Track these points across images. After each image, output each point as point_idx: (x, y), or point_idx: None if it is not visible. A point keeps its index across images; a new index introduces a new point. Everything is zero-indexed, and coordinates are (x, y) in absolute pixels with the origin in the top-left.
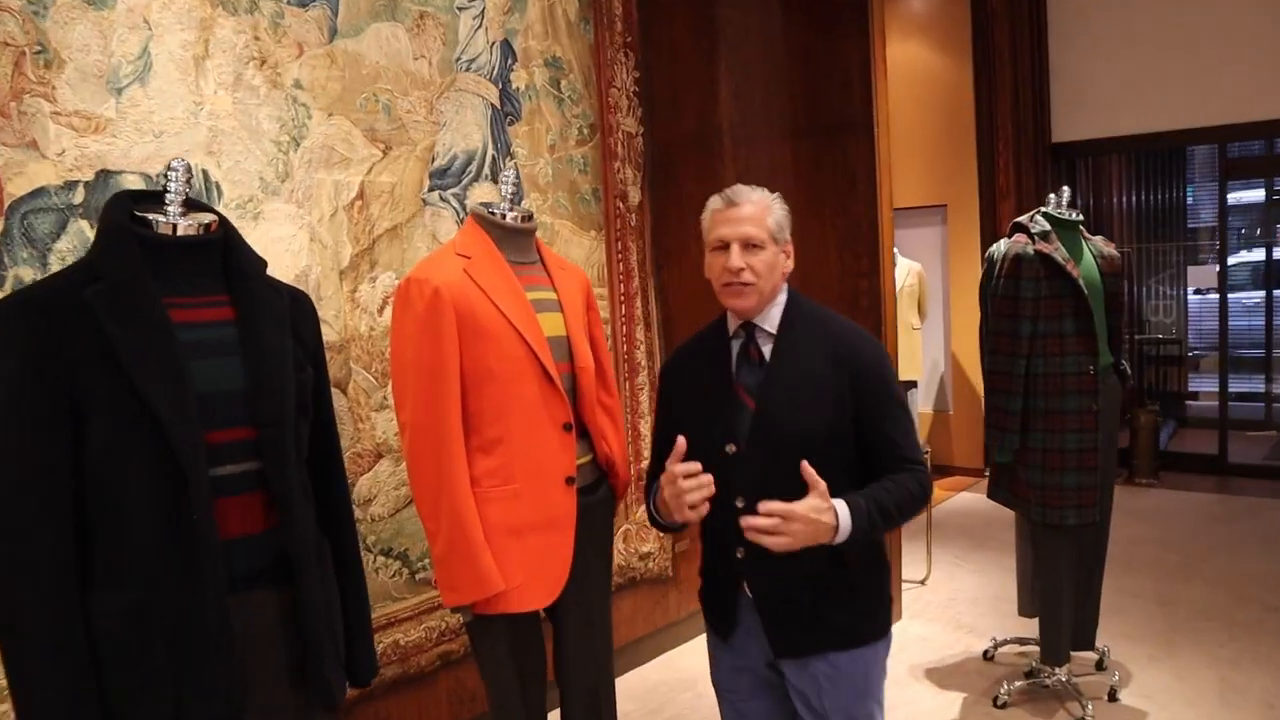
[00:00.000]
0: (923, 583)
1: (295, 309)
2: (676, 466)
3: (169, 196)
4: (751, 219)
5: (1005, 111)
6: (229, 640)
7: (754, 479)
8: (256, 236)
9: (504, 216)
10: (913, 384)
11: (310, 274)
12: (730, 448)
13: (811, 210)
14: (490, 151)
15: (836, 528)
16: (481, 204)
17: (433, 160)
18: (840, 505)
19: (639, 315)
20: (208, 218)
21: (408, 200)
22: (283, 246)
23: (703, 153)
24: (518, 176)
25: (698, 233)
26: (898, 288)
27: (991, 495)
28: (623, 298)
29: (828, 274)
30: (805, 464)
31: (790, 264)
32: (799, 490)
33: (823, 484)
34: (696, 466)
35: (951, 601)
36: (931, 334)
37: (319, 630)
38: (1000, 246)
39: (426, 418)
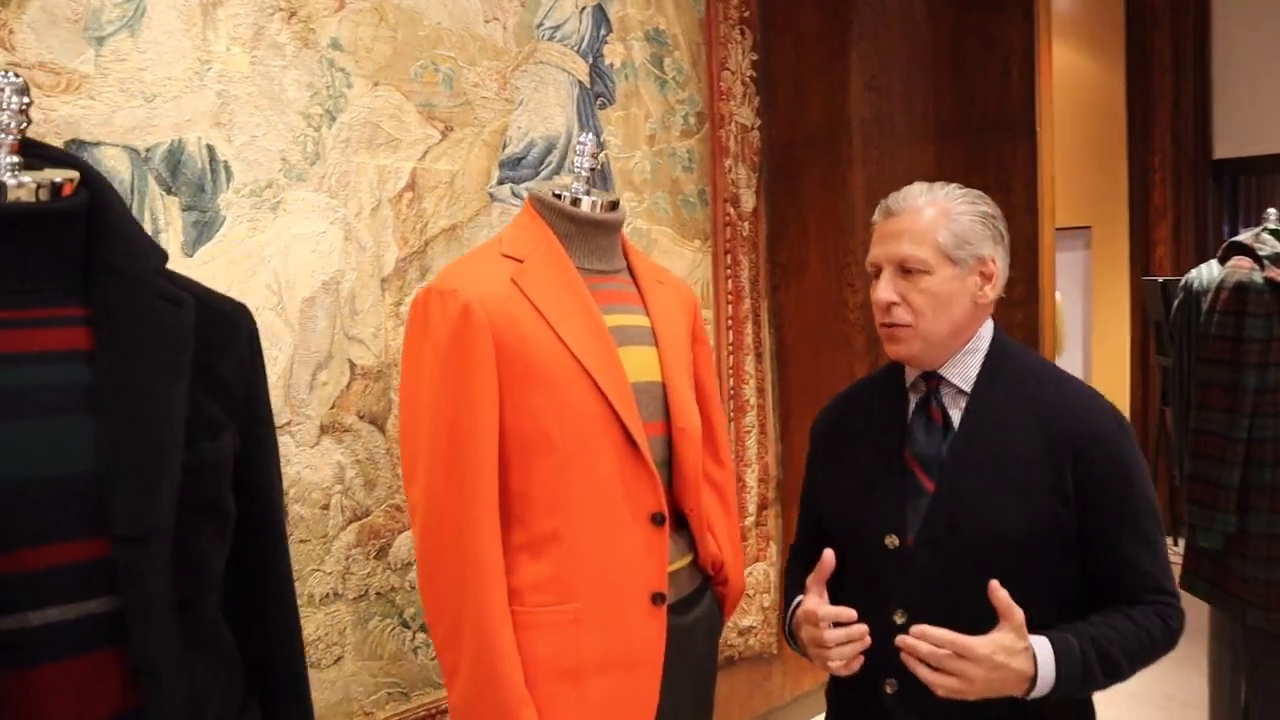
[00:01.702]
0: None
1: (210, 331)
2: (822, 608)
3: None
4: (909, 232)
5: (1163, 124)
6: None
7: (923, 588)
8: (275, 232)
9: (576, 202)
10: None
11: (343, 281)
12: (892, 541)
13: None
14: (576, 139)
15: (1033, 679)
16: (545, 185)
17: (504, 146)
18: (1042, 647)
19: (749, 344)
20: (61, 175)
21: (471, 194)
22: (308, 245)
23: (829, 153)
24: (598, 146)
25: (820, 246)
26: None
27: (1188, 586)
28: (730, 322)
29: None
30: (995, 585)
31: (991, 292)
32: (984, 612)
33: (1019, 614)
34: (850, 615)
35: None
36: (1068, 368)
37: None
38: (1206, 272)
39: (445, 500)
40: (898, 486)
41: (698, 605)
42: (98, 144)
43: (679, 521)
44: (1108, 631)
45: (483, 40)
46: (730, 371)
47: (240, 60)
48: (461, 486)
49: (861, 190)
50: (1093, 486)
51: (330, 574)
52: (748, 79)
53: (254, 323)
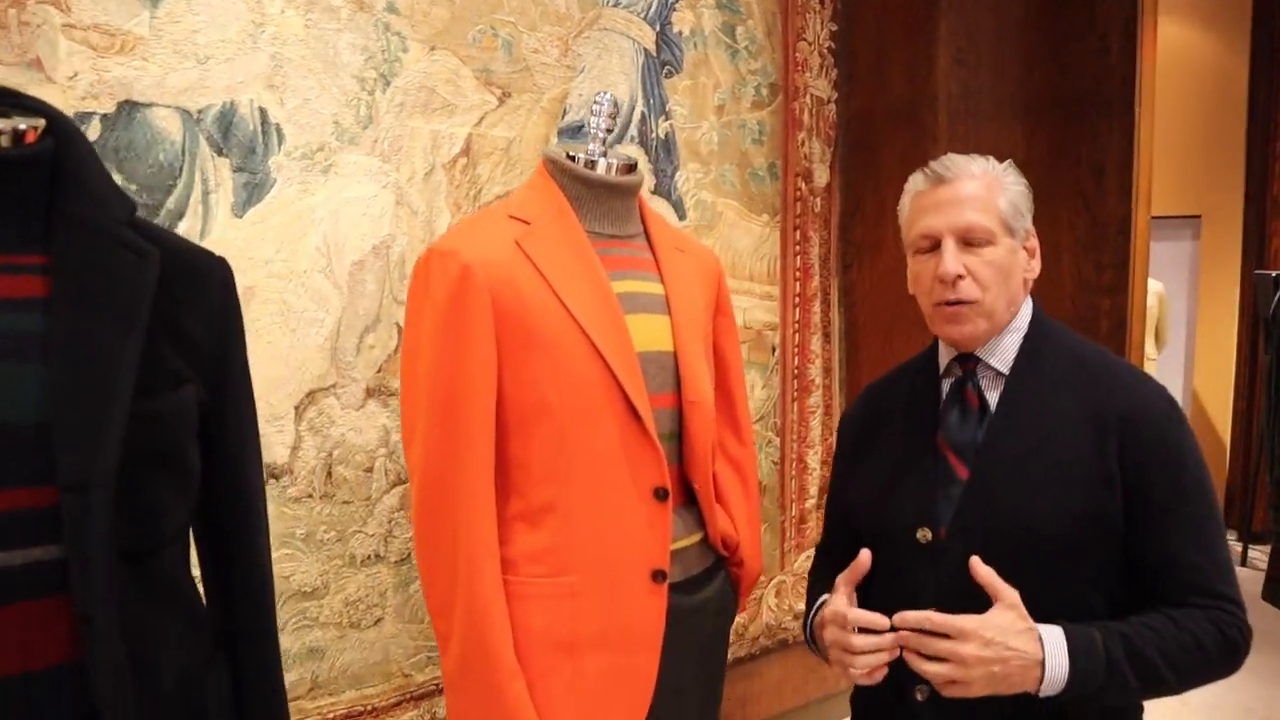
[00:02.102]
0: None
1: (177, 282)
2: (852, 611)
3: None
4: (973, 200)
5: None
6: None
7: (955, 584)
8: (325, 195)
9: (591, 165)
10: None
11: (393, 245)
12: (925, 534)
13: (1044, 206)
14: (639, 108)
15: (1042, 664)
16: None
17: (563, 114)
18: (1053, 634)
19: (817, 323)
20: (25, 122)
21: (528, 161)
22: (359, 209)
23: (911, 128)
24: (615, 106)
25: (898, 225)
26: None
27: (1271, 597)
28: (798, 299)
29: (1058, 287)
30: (976, 562)
31: (1036, 266)
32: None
33: (1011, 594)
34: (883, 622)
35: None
36: (1169, 365)
37: None
38: None
39: (440, 465)
40: (930, 476)
41: (708, 585)
42: (150, 105)
43: (689, 497)
44: (1142, 630)
45: (544, 5)
46: (796, 350)
47: (294, 23)
48: (456, 452)
49: None
50: (1139, 471)
51: (372, 536)
52: (825, 50)
53: (230, 276)
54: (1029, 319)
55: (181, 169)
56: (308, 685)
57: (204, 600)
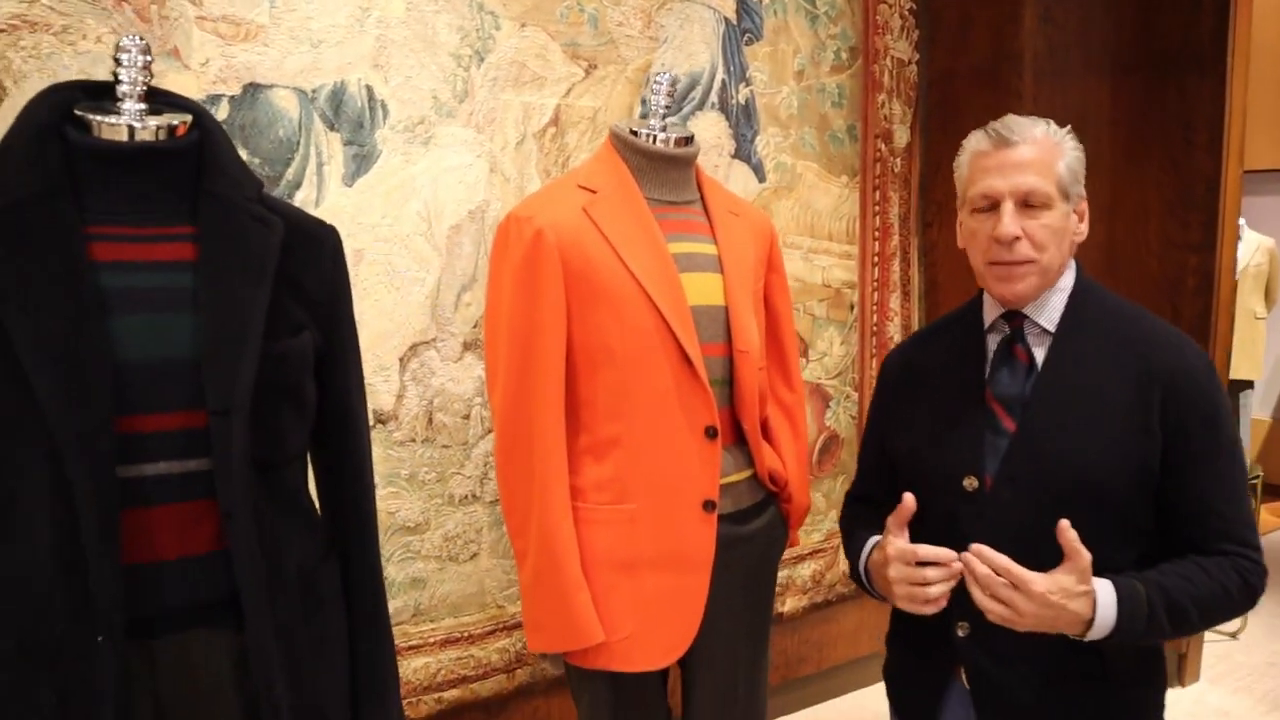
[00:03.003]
0: (1234, 636)
1: (296, 247)
2: (921, 548)
3: (122, 88)
4: (1035, 164)
5: None
6: (125, 698)
7: (1002, 530)
8: (426, 164)
9: (652, 139)
10: (1248, 384)
11: (488, 210)
12: (971, 482)
13: (1130, 165)
14: (720, 75)
15: (1090, 621)
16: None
17: (646, 83)
18: (1105, 590)
19: (895, 281)
20: (178, 118)
21: None
22: (456, 177)
23: (994, 88)
24: (673, 83)
25: None
26: (1240, 267)
27: None
28: (877, 258)
29: (1143, 245)
30: (1065, 525)
31: (1084, 229)
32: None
33: (1086, 557)
34: (948, 555)
35: (1271, 667)
36: (1278, 325)
37: (273, 694)
38: None
39: (517, 404)
40: (977, 427)
41: (759, 517)
42: (271, 86)
43: (740, 437)
44: (1178, 581)
45: None
46: (874, 308)
47: (397, 6)
48: (531, 393)
49: None
50: (1179, 423)
51: (469, 478)
52: (906, 12)
53: (339, 242)
54: (1074, 279)
55: (298, 143)
56: (410, 612)
57: (318, 510)
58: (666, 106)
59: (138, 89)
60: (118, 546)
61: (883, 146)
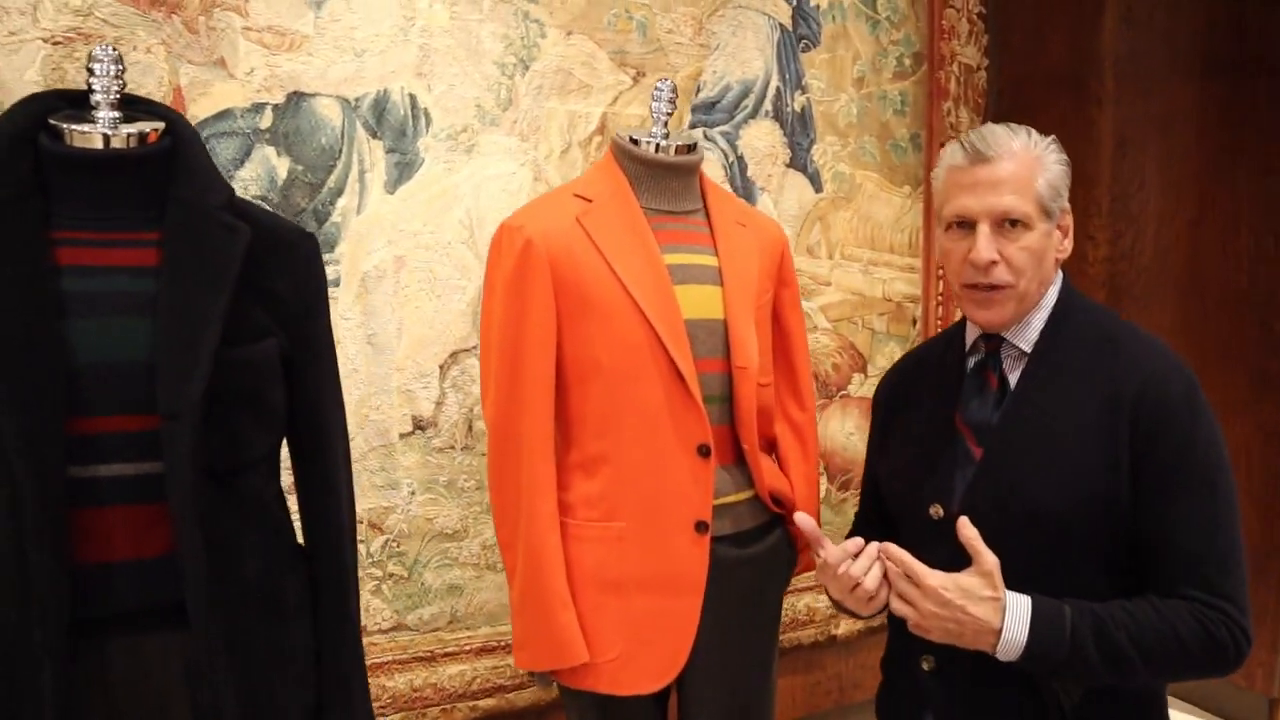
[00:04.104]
0: None
1: (268, 253)
2: (831, 554)
3: (95, 96)
4: (1011, 182)
5: None
6: (69, 697)
7: (964, 560)
8: (469, 172)
9: (655, 147)
10: None
11: None
12: (936, 510)
13: (1219, 174)
14: (774, 83)
15: (996, 638)
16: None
17: (698, 91)
18: (1019, 603)
19: None
20: (149, 125)
21: None
22: (499, 185)
23: (1073, 93)
24: (674, 91)
25: None
26: None
27: None
28: (941, 272)
29: (1232, 260)
30: (964, 522)
31: (1069, 245)
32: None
33: (990, 559)
34: (855, 544)
35: None
36: None
37: (218, 700)
38: None
39: (507, 417)
40: (948, 454)
41: (762, 540)
42: (315, 95)
43: (740, 456)
44: (1118, 614)
45: None
46: (939, 322)
47: (440, 15)
48: (520, 405)
49: (1110, 134)
50: (1148, 451)
51: None
52: (974, 16)
53: (316, 248)
54: (1056, 296)
55: (341, 151)
56: (447, 618)
57: (289, 516)
58: (668, 114)
59: (110, 96)
60: (64, 545)
61: None
